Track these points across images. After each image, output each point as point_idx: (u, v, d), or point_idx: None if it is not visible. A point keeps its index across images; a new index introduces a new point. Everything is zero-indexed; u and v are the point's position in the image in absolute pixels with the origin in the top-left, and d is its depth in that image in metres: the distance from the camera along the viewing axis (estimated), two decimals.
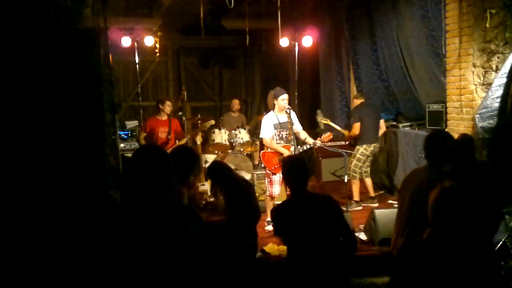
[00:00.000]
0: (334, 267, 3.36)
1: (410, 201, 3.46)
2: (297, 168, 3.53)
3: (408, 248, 2.63)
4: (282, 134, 5.93)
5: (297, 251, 3.43)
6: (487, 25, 5.28)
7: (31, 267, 3.52)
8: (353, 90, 8.99)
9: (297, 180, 3.53)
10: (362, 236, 5.57)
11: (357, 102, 7.19)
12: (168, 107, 7.14)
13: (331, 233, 3.41)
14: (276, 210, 3.61)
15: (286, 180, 3.66)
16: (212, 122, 8.00)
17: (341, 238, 3.44)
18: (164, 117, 7.15)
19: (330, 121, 7.71)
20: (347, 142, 7.65)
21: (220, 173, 4.83)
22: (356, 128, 6.96)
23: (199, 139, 7.45)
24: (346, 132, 7.36)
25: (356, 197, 7.08)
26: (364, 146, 6.96)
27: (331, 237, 3.40)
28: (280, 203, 3.75)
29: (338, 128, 7.62)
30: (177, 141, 7.25)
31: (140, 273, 2.20)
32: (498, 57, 5.39)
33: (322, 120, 7.82)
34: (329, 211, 3.43)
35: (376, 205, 6.98)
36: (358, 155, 6.96)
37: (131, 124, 10.24)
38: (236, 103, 9.46)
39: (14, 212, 3.60)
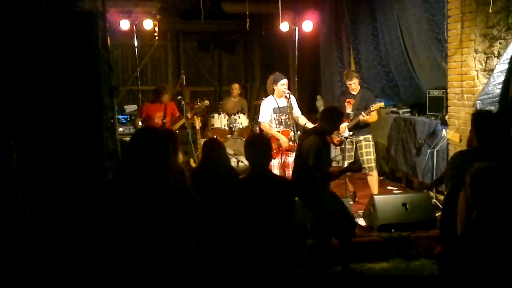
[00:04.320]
0: (275, 252, 3.20)
1: None
2: (258, 150, 3.36)
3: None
4: (281, 119, 5.89)
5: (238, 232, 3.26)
6: (490, 10, 5.22)
7: (30, 252, 3.51)
8: None
9: (257, 162, 3.36)
10: (361, 222, 5.58)
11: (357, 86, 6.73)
12: (165, 97, 7.11)
13: (279, 217, 3.27)
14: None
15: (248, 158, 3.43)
16: (207, 102, 7.98)
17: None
18: (160, 103, 7.15)
19: None
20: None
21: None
22: (375, 116, 6.35)
23: (198, 124, 7.36)
24: (367, 118, 6.24)
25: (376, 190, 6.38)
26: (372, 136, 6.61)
27: (278, 221, 3.26)
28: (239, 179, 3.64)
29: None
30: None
31: (139, 257, 2.21)
32: (500, 43, 5.35)
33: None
34: (283, 195, 3.30)
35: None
36: (372, 145, 6.46)
37: (130, 108, 10.24)
38: (236, 88, 9.39)
39: (13, 198, 3.59)
